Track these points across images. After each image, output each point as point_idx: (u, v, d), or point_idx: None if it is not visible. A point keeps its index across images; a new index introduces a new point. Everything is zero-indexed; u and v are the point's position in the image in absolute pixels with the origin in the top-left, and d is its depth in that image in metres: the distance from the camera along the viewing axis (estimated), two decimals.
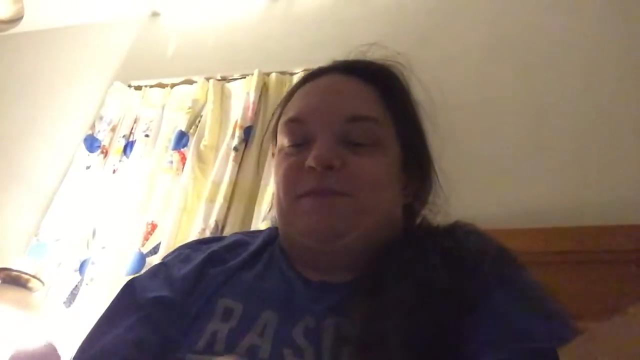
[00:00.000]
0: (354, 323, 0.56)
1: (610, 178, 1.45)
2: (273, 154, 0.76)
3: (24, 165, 2.28)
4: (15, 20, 2.10)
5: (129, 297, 0.66)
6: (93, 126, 2.15)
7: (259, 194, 1.72)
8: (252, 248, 0.72)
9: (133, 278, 0.69)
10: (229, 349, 0.58)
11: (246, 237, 0.76)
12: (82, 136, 2.15)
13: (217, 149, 1.91)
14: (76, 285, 1.78)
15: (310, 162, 0.63)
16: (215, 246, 0.72)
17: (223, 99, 2.03)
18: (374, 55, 0.76)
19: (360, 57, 0.77)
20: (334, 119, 0.66)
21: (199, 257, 0.69)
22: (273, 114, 0.78)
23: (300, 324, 0.59)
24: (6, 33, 2.30)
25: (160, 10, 2.49)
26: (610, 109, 1.55)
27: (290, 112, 0.70)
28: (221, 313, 0.62)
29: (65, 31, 2.64)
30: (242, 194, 1.75)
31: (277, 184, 0.69)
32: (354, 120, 0.66)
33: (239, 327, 0.60)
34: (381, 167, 0.66)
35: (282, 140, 0.70)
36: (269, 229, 0.77)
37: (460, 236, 0.63)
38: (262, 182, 1.73)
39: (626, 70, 1.59)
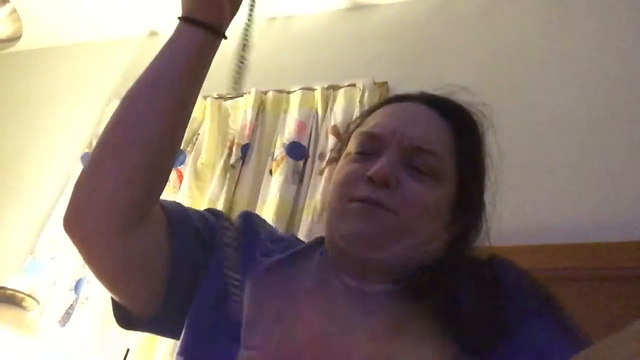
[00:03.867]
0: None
1: (610, 195, 1.45)
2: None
3: (20, 183, 2.27)
4: (13, 39, 2.12)
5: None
6: (90, 144, 2.15)
7: (256, 212, 1.71)
8: (297, 248, 0.77)
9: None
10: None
11: (294, 239, 0.84)
12: (80, 154, 2.14)
13: (214, 167, 1.91)
14: (71, 305, 1.76)
15: (370, 173, 0.67)
16: (263, 235, 0.79)
17: (220, 117, 2.03)
18: (461, 97, 0.81)
19: (446, 95, 0.81)
20: (404, 143, 0.70)
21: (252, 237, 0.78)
22: (353, 122, 0.86)
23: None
24: (4, 52, 2.31)
25: (158, 30, 2.50)
26: (608, 127, 1.56)
27: (368, 125, 0.75)
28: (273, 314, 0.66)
29: (64, 50, 2.65)
30: (239, 212, 1.74)
31: (335, 184, 0.73)
32: (420, 150, 0.70)
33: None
34: (432, 197, 0.69)
35: (352, 147, 0.75)
36: (315, 238, 0.82)
37: (496, 266, 0.67)
38: (259, 200, 1.73)
39: (623, 87, 1.60)
